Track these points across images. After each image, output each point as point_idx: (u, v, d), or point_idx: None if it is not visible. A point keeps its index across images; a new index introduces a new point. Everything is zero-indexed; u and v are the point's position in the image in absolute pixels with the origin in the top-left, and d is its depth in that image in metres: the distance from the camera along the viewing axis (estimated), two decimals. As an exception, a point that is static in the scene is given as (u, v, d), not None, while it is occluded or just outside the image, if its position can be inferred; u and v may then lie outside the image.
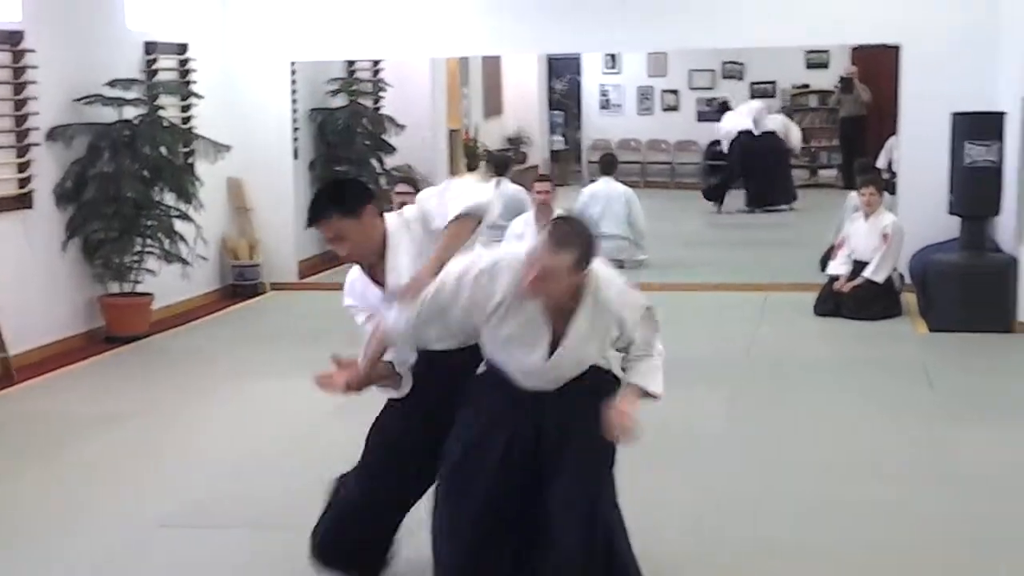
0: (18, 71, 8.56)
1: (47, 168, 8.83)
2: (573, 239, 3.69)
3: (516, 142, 19.64)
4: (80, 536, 5.17)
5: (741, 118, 16.55)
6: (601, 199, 11.98)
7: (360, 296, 4.21)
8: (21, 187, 8.61)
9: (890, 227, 9.46)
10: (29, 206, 8.64)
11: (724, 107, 17.29)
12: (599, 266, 3.82)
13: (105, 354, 8.82)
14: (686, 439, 6.31)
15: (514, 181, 12.64)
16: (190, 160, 10.07)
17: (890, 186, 10.96)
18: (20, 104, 8.58)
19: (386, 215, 4.20)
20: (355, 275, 4.23)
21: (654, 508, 5.11)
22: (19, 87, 8.57)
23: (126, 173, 9.06)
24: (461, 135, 17.51)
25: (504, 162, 12.95)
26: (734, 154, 16.41)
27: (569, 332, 3.78)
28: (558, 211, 9.63)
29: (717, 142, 17.83)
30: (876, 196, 9.58)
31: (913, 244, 9.78)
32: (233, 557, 4.89)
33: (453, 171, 16.39)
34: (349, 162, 13.05)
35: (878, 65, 17.60)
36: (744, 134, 16.31)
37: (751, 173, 16.25)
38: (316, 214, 4.05)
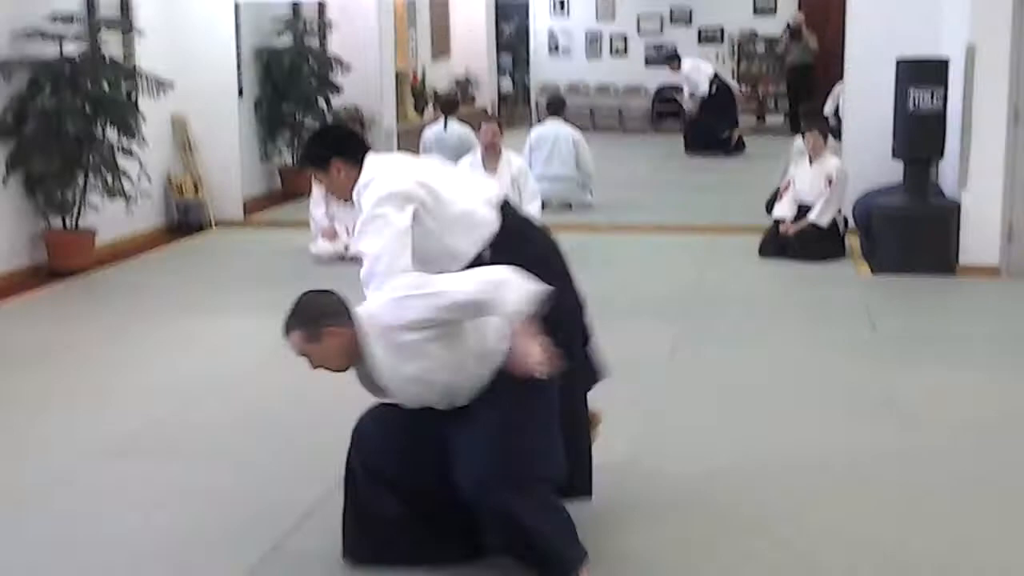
0: (-44, 2, 8.40)
1: (-14, 101, 8.69)
2: (295, 319, 3.84)
3: (464, 84, 19.55)
4: (22, 466, 5.14)
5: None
6: (549, 140, 11.97)
7: None
8: (-40, 120, 8.48)
9: (834, 172, 9.53)
10: (-31, 139, 8.51)
11: (675, 56, 17.25)
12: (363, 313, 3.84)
13: (48, 288, 8.74)
14: (631, 369, 6.33)
15: (462, 122, 12.59)
16: (133, 97, 9.94)
17: (836, 132, 11.02)
18: (-42, 35, 8.44)
19: None
20: None
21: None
22: (-43, 18, 8.42)
23: (68, 109, 8.93)
24: (408, 77, 17.40)
25: (451, 103, 12.87)
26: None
27: (375, 365, 3.83)
28: (505, 151, 9.65)
29: (666, 88, 17.87)
30: (820, 141, 9.63)
31: (858, 188, 9.87)
32: (173, 486, 4.89)
33: (400, 112, 16.30)
34: (295, 102, 12.96)
35: (825, 12, 17.72)
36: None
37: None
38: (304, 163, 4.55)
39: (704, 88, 16.66)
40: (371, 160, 4.37)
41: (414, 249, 4.14)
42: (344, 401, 4.36)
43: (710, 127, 16.49)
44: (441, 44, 19.29)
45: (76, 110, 8.99)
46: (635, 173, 14.99)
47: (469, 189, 4.48)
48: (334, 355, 3.81)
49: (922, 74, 8.97)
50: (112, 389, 6.33)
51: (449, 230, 4.29)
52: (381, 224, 4.13)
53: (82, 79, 9.07)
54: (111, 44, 9.89)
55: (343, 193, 4.41)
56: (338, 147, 4.40)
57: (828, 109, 14.13)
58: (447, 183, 4.40)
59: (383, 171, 4.29)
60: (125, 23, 10.27)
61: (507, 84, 21.23)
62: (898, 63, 9.12)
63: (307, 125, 13.05)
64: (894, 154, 9.18)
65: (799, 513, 4.58)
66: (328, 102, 13.28)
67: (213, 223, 11.24)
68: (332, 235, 9.61)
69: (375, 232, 4.14)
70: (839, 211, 9.63)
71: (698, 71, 16.84)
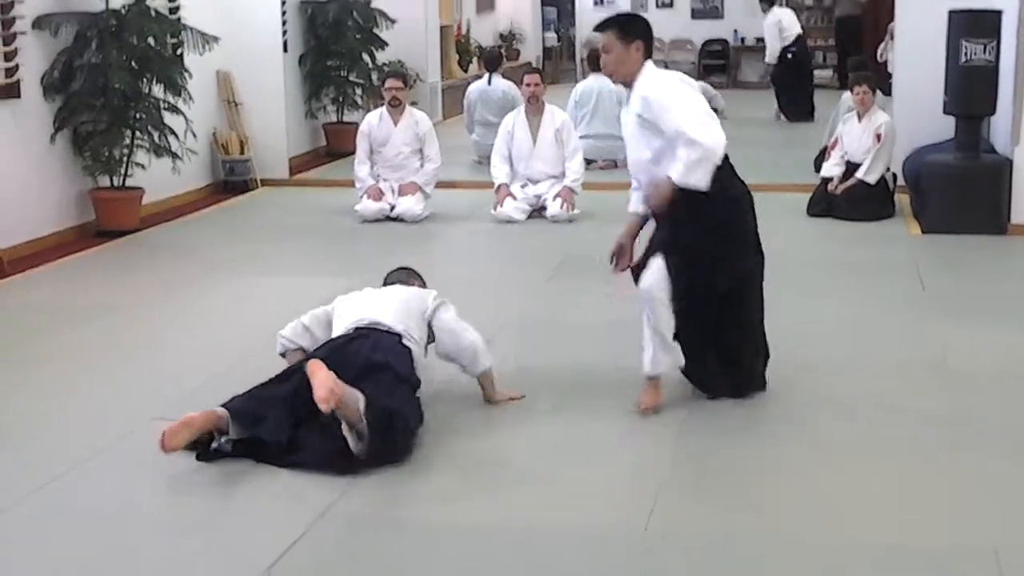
0: (3, -42, 8.41)
1: (34, 58, 8.72)
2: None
3: (508, 38, 19.46)
4: (71, 427, 5.18)
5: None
6: (592, 96, 11.88)
7: None
8: (8, 77, 8.50)
9: (883, 127, 9.40)
10: (16, 96, 8.53)
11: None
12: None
13: (96, 248, 8.79)
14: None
15: (506, 78, 12.53)
16: (179, 52, 9.93)
17: (885, 86, 10.87)
18: (5, -8, 8.45)
19: None
20: None
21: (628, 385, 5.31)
22: (4, -25, 8.44)
23: (114, 64, 8.93)
24: (453, 31, 17.32)
25: (496, 58, 12.82)
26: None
27: None
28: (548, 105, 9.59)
29: (713, 40, 17.59)
30: (869, 94, 9.50)
31: (907, 145, 9.74)
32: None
33: (444, 68, 16.25)
34: (340, 56, 12.93)
35: (875, -37, 17.43)
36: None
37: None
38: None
39: (773, 52, 15.32)
40: (650, 66, 5.16)
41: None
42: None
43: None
44: (485, -2, 19.20)
45: (122, 65, 8.99)
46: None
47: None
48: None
49: (975, 26, 8.80)
50: (165, 348, 6.37)
51: None
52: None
53: (127, 34, 9.07)
54: (156, -1, 9.89)
55: (619, 71, 5.10)
56: (647, 36, 5.14)
57: (882, 57, 13.85)
58: None
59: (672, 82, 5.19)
60: (170, -22, 10.26)
61: (552, 39, 21.09)
62: (950, 14, 8.97)
63: (351, 81, 13.02)
64: (945, 109, 9.05)
65: (844, 462, 4.56)
66: (373, 57, 13.24)
67: (259, 182, 11.25)
68: (377, 194, 9.59)
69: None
70: (888, 168, 9.51)
71: (773, 27, 15.40)
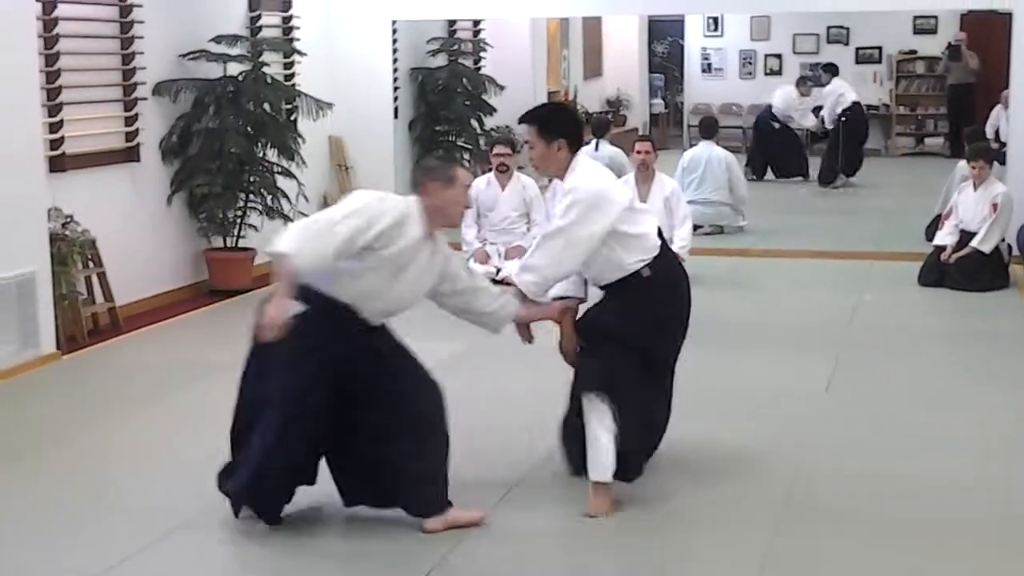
0: (125, 26, 8.67)
1: (153, 122, 8.96)
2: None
3: (616, 104, 19.52)
4: (183, 481, 5.24)
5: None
6: (701, 163, 11.87)
7: None
8: (128, 141, 8.75)
9: (1000, 196, 9.25)
10: (136, 159, 8.78)
11: (830, 68, 16.49)
12: None
13: (209, 307, 8.95)
14: (786, 403, 6.27)
15: (613, 144, 12.56)
16: (293, 117, 10.14)
17: (998, 156, 10.71)
18: (127, 59, 8.71)
19: None
20: None
21: (749, 467, 5.24)
22: (126, 42, 8.69)
23: (230, 129, 9.15)
24: (560, 97, 17.44)
25: (603, 124, 12.86)
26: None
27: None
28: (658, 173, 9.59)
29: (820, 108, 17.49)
30: (986, 168, 9.38)
31: (1022, 215, 9.56)
32: (326, 500, 4.88)
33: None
34: (449, 122, 13.07)
35: (987, 32, 17.20)
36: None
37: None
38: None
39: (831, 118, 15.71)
40: (583, 160, 4.87)
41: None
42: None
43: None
44: (593, 64, 19.30)
45: (238, 130, 9.20)
46: (789, 196, 14.76)
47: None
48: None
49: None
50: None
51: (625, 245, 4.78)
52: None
53: (244, 99, 9.29)
54: (273, 65, 10.10)
55: (543, 168, 4.86)
56: (570, 132, 4.87)
57: (988, 132, 13.73)
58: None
59: (593, 177, 4.82)
60: (286, 44, 10.48)
61: (659, 105, 21.12)
62: (1066, 85, 8.84)
63: (459, 146, 13.15)
64: (1061, 180, 8.89)
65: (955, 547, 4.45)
66: (481, 122, 13.36)
67: (367, 243, 11.38)
68: (484, 258, 9.65)
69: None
70: (1003, 239, 9.34)
71: (832, 96, 15.81)
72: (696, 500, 4.96)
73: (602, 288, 4.93)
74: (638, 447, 4.85)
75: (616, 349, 4.78)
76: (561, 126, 4.86)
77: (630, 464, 4.79)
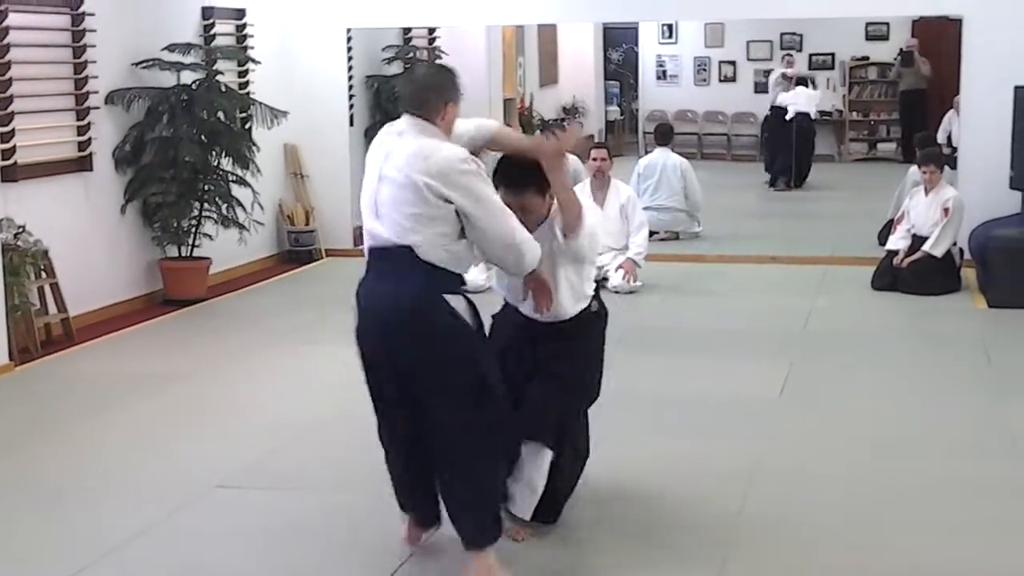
0: (77, 35, 8.62)
1: (106, 131, 8.90)
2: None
3: (571, 112, 19.56)
4: (137, 495, 5.22)
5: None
6: (656, 170, 11.93)
7: None
8: (81, 150, 8.68)
9: (951, 201, 9.35)
10: (89, 169, 8.72)
11: (802, 81, 17.02)
12: None
13: (163, 317, 8.90)
14: (738, 408, 6.31)
15: (569, 152, 12.56)
16: (247, 125, 10.10)
17: (949, 160, 10.82)
18: (79, 67, 8.65)
19: None
20: None
21: (701, 473, 5.24)
22: (78, 51, 8.64)
23: (184, 137, 9.10)
24: (516, 104, 17.46)
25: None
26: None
27: None
28: (614, 180, 9.62)
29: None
30: (937, 173, 9.46)
31: (973, 219, 9.66)
32: (289, 518, 4.91)
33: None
34: (404, 130, 13.02)
35: (939, 38, 17.38)
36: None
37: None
38: None
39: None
40: None
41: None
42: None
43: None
44: (549, 72, 19.33)
45: (192, 139, 9.16)
46: (744, 202, 14.86)
47: None
48: None
49: (1042, 101, 8.79)
50: (229, 416, 6.42)
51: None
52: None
53: (198, 108, 9.25)
54: (227, 73, 10.06)
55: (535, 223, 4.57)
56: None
57: (940, 137, 13.88)
58: None
59: None
60: (240, 52, 10.44)
61: (614, 112, 21.20)
62: (1016, 89, 8.94)
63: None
64: (1011, 184, 9.00)
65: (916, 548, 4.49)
66: (437, 130, 13.34)
67: (324, 252, 11.37)
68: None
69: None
70: (955, 242, 9.44)
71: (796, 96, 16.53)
72: (649, 511, 4.96)
73: (559, 325, 4.71)
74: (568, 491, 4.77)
75: (575, 402, 4.72)
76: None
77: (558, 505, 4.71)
